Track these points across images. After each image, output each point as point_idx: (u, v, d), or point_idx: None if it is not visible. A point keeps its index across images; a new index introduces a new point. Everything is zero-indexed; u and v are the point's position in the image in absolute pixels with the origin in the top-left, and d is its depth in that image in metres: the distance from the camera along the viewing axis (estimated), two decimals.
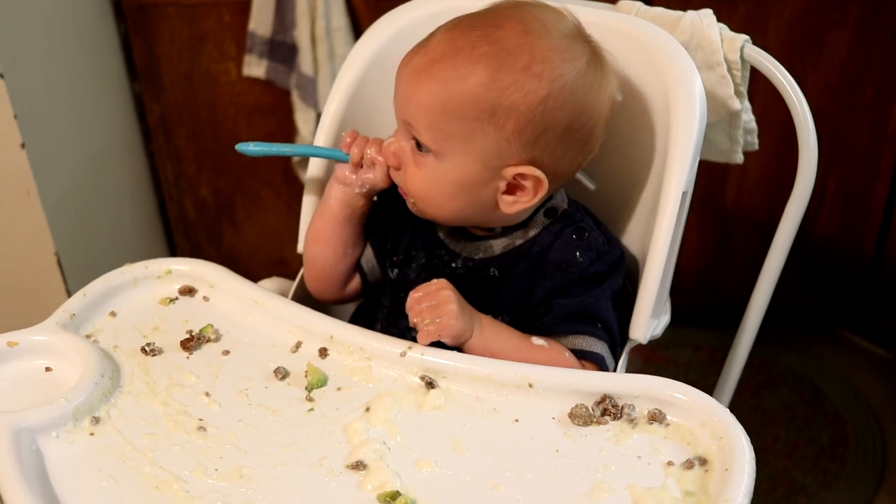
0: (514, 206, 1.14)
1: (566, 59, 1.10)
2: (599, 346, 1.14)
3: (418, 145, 1.13)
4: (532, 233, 1.19)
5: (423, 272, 1.23)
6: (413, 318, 1.09)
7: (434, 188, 1.14)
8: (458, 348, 1.11)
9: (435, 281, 1.11)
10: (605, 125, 1.15)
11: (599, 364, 1.13)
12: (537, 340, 1.13)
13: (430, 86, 1.09)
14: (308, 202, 1.32)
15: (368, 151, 1.19)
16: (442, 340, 1.08)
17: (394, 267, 1.25)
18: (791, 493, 1.93)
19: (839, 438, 2.05)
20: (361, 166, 1.21)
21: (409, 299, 1.10)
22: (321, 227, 1.26)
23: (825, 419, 2.10)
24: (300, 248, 1.30)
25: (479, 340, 1.10)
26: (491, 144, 1.10)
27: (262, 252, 2.35)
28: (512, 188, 1.14)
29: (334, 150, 1.22)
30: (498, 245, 1.19)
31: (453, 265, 1.21)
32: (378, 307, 1.27)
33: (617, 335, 1.16)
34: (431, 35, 1.13)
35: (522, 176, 1.12)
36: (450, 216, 1.17)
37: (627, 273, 1.26)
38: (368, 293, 1.31)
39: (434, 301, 1.09)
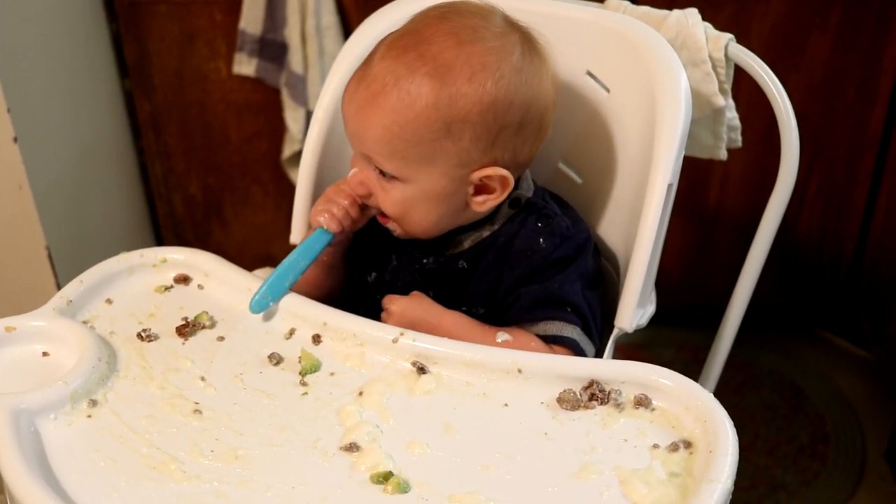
0: (486, 204, 1.17)
1: (503, 58, 1.11)
2: (570, 330, 1.16)
3: (382, 172, 1.14)
4: (497, 224, 1.21)
5: (396, 273, 1.25)
6: None
7: (409, 209, 1.16)
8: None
9: (390, 302, 1.16)
10: (554, 106, 1.18)
11: (572, 348, 1.15)
12: (502, 336, 1.14)
13: (380, 118, 1.10)
14: (301, 196, 1.33)
15: (352, 218, 1.19)
16: None
17: (371, 271, 1.27)
18: (772, 490, 1.96)
19: (819, 437, 2.08)
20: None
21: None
22: (313, 277, 1.26)
23: (805, 418, 2.13)
24: (293, 238, 1.32)
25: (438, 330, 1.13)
26: (452, 158, 1.12)
27: (250, 249, 2.36)
28: (480, 189, 1.16)
29: (319, 235, 1.19)
30: (466, 239, 1.21)
31: (424, 261, 1.23)
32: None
33: (590, 317, 1.18)
34: (367, 65, 1.13)
35: (488, 177, 1.15)
36: (431, 229, 1.19)
37: (612, 262, 1.29)
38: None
39: (387, 315, 1.15)
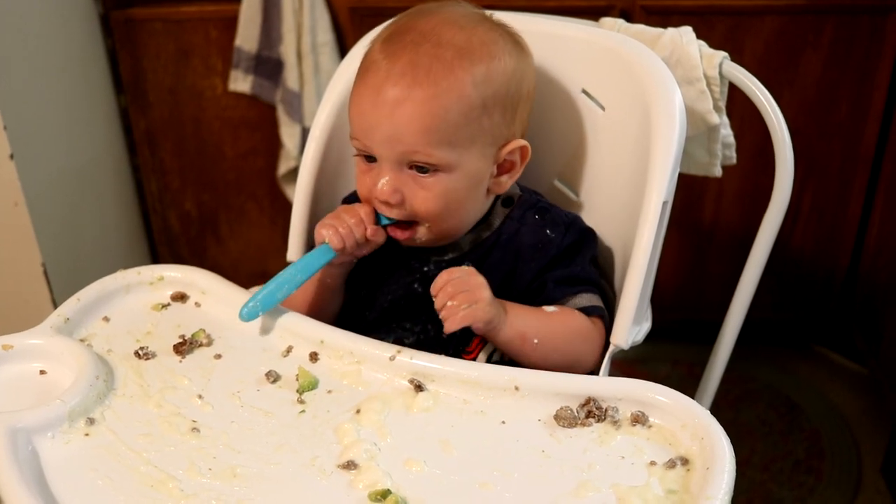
0: (507, 183, 1.20)
1: (502, 34, 1.17)
2: (597, 300, 1.19)
3: (420, 170, 1.14)
4: (496, 223, 1.23)
5: (387, 288, 1.25)
6: (444, 301, 1.09)
7: (450, 199, 1.16)
8: (464, 344, 1.17)
9: (463, 267, 1.13)
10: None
11: (601, 317, 1.19)
12: (549, 308, 1.17)
13: (423, 108, 1.10)
14: (298, 214, 1.34)
15: (356, 237, 1.18)
16: (473, 326, 1.09)
17: (361, 289, 1.28)
18: None
19: (815, 452, 2.08)
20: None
21: (438, 281, 1.11)
22: (317, 303, 1.26)
23: (801, 433, 2.13)
24: (289, 255, 1.32)
25: (507, 326, 1.13)
26: (487, 136, 1.15)
27: (245, 266, 2.36)
28: (501, 169, 1.19)
29: (322, 251, 1.18)
30: (465, 242, 1.22)
31: (425, 269, 1.23)
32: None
33: (604, 293, 1.22)
34: (376, 71, 1.13)
35: (511, 152, 1.18)
36: (464, 221, 1.20)
37: (608, 279, 1.29)
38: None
39: (467, 287, 1.10)
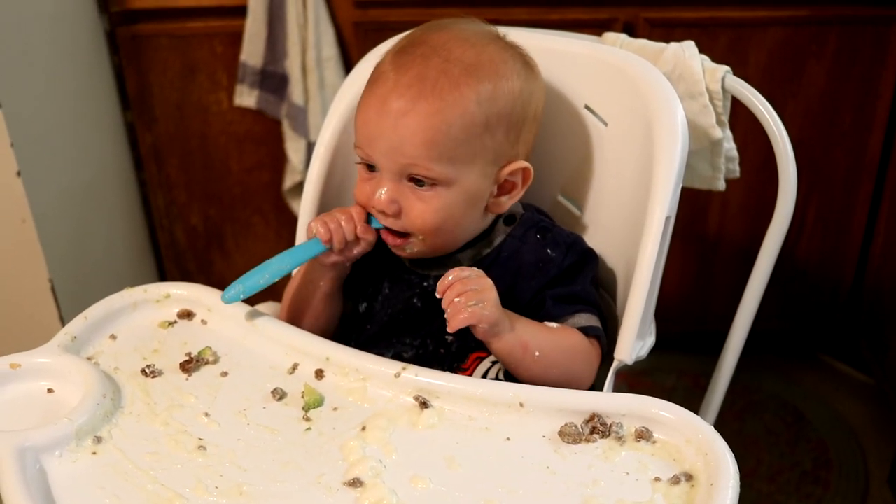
0: (506, 204, 1.21)
1: (512, 56, 1.18)
2: (595, 321, 1.19)
3: (418, 183, 1.15)
4: (497, 241, 1.23)
5: (387, 301, 1.25)
6: (452, 297, 1.09)
7: (447, 214, 1.16)
8: (470, 347, 1.18)
9: (473, 268, 1.12)
10: None
11: (599, 338, 1.19)
12: (550, 325, 1.17)
13: (427, 121, 1.11)
14: (303, 227, 1.34)
15: (345, 232, 1.18)
16: (478, 325, 1.08)
17: (363, 301, 1.28)
18: None
19: (822, 462, 2.08)
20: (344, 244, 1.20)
21: (445, 280, 1.10)
22: (311, 307, 1.27)
23: (808, 443, 2.13)
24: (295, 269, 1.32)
25: (511, 333, 1.12)
26: (489, 154, 1.15)
27: None
28: (502, 189, 1.19)
29: (311, 244, 1.20)
30: (465, 258, 1.22)
31: (424, 284, 1.23)
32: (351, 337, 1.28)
33: (602, 314, 1.22)
34: (384, 82, 1.14)
35: (512, 173, 1.18)
36: (460, 237, 1.21)
37: (611, 294, 1.30)
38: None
39: (475, 286, 1.10)
